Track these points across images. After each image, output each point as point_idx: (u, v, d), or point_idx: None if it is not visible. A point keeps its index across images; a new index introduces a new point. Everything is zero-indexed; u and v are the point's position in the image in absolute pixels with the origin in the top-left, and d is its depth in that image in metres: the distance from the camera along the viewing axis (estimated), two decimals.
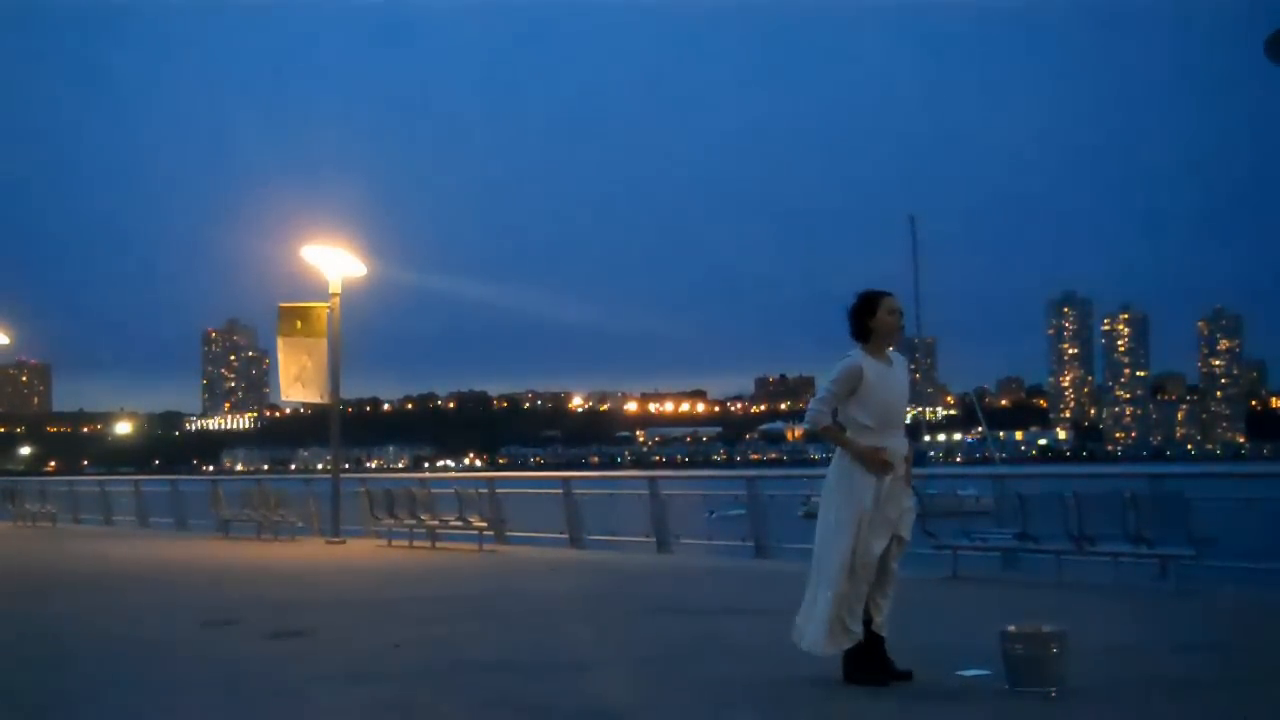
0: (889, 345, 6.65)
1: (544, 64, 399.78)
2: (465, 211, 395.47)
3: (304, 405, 30.20)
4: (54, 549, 21.06)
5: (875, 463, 6.45)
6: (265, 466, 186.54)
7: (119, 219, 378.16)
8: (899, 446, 6.56)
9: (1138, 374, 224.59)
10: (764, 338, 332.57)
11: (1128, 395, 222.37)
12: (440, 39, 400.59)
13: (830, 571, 6.45)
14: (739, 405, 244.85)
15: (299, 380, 21.49)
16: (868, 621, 6.50)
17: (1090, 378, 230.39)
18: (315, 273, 21.58)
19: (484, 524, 18.36)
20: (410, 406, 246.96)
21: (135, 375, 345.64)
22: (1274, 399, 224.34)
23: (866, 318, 6.61)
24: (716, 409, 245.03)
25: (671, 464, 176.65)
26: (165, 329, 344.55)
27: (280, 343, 21.64)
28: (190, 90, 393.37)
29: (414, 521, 19.35)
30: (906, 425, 6.87)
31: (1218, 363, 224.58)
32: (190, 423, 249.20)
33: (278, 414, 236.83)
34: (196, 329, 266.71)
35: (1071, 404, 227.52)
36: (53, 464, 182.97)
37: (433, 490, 19.98)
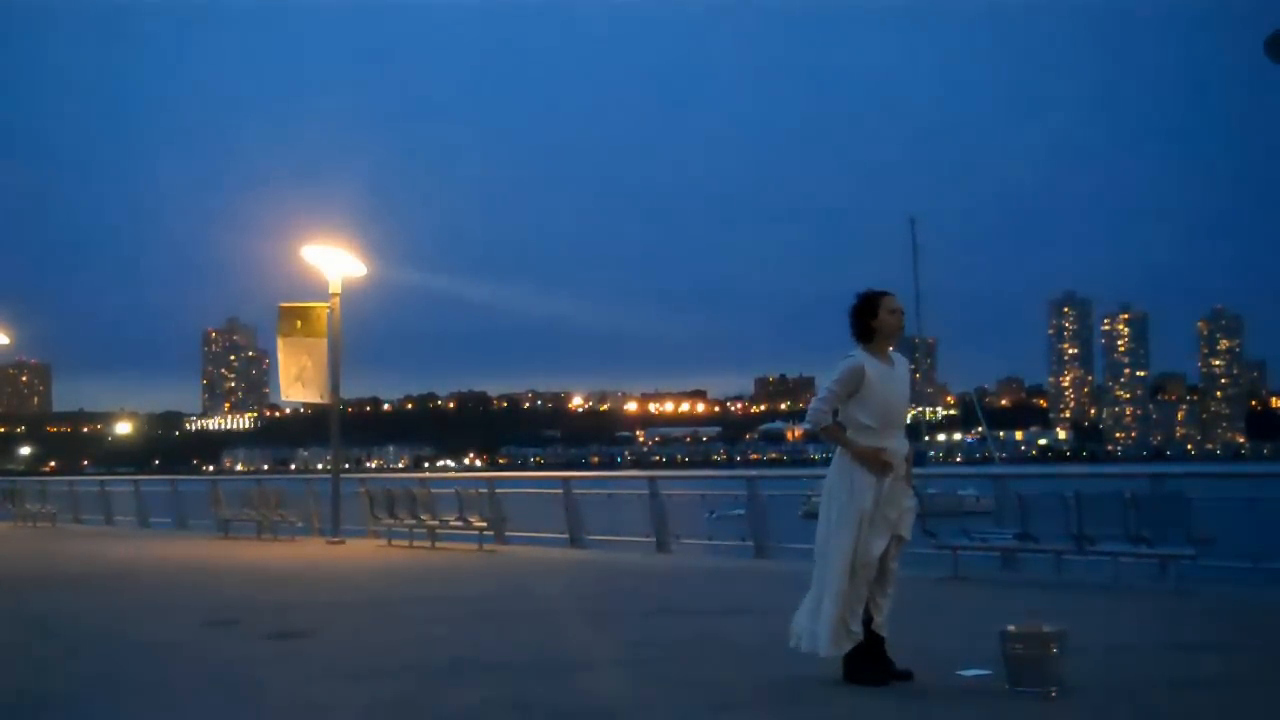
0: (890, 345, 6.65)
1: (544, 62, 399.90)
2: (465, 211, 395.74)
3: (304, 405, 30.23)
4: (54, 549, 21.05)
5: (876, 463, 6.44)
6: (265, 466, 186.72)
7: (119, 219, 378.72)
8: (900, 446, 6.55)
9: (1138, 374, 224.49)
10: (764, 338, 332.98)
11: (1128, 395, 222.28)
12: (440, 38, 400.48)
13: (832, 572, 6.45)
14: (739, 405, 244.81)
15: (299, 380, 21.49)
16: (868, 621, 6.50)
17: (1090, 378, 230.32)
18: (315, 273, 21.60)
19: (484, 524, 18.36)
20: (410, 406, 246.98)
21: (135, 375, 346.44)
22: (1274, 399, 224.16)
23: (868, 317, 6.60)
24: (716, 409, 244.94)
25: (671, 464, 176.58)
26: (165, 329, 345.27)
27: (280, 343, 21.65)
28: (190, 91, 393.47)
29: (414, 521, 19.34)
30: (906, 425, 6.86)
31: (1218, 363, 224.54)
32: (190, 423, 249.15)
33: (278, 414, 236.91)
34: (196, 329, 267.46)
35: (1071, 404, 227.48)
36: (53, 464, 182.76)
37: (433, 490, 19.96)
